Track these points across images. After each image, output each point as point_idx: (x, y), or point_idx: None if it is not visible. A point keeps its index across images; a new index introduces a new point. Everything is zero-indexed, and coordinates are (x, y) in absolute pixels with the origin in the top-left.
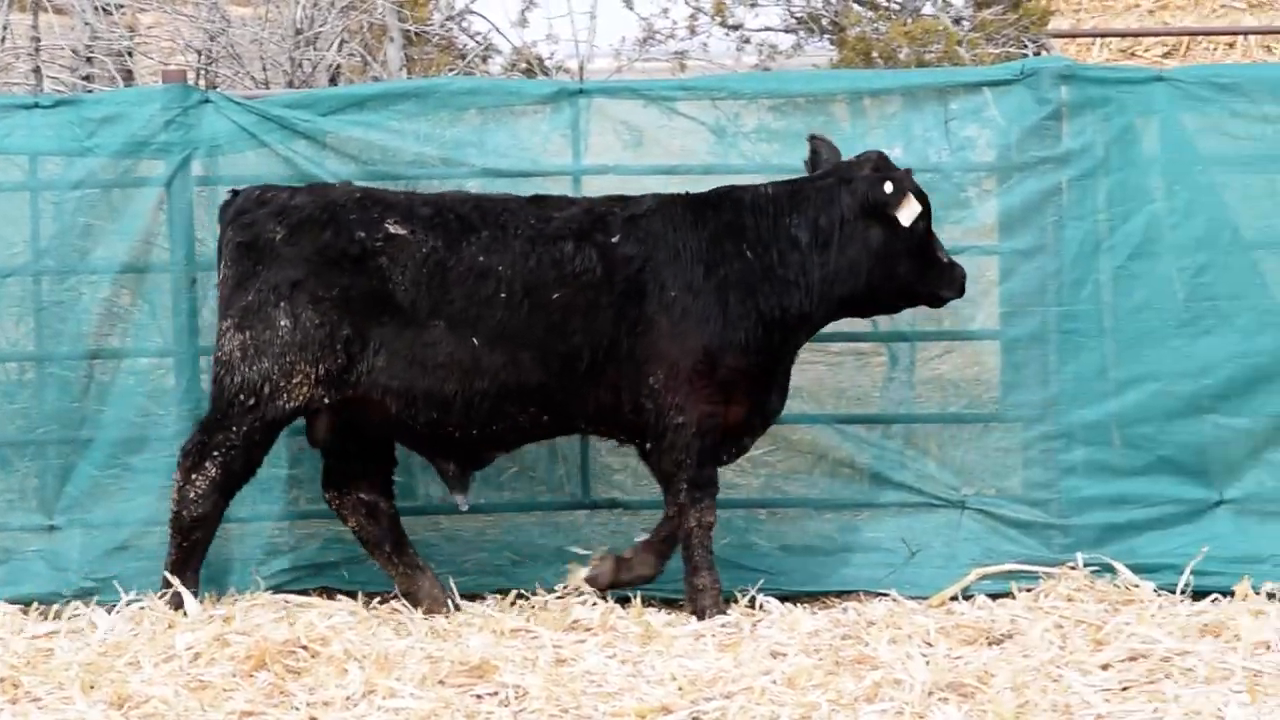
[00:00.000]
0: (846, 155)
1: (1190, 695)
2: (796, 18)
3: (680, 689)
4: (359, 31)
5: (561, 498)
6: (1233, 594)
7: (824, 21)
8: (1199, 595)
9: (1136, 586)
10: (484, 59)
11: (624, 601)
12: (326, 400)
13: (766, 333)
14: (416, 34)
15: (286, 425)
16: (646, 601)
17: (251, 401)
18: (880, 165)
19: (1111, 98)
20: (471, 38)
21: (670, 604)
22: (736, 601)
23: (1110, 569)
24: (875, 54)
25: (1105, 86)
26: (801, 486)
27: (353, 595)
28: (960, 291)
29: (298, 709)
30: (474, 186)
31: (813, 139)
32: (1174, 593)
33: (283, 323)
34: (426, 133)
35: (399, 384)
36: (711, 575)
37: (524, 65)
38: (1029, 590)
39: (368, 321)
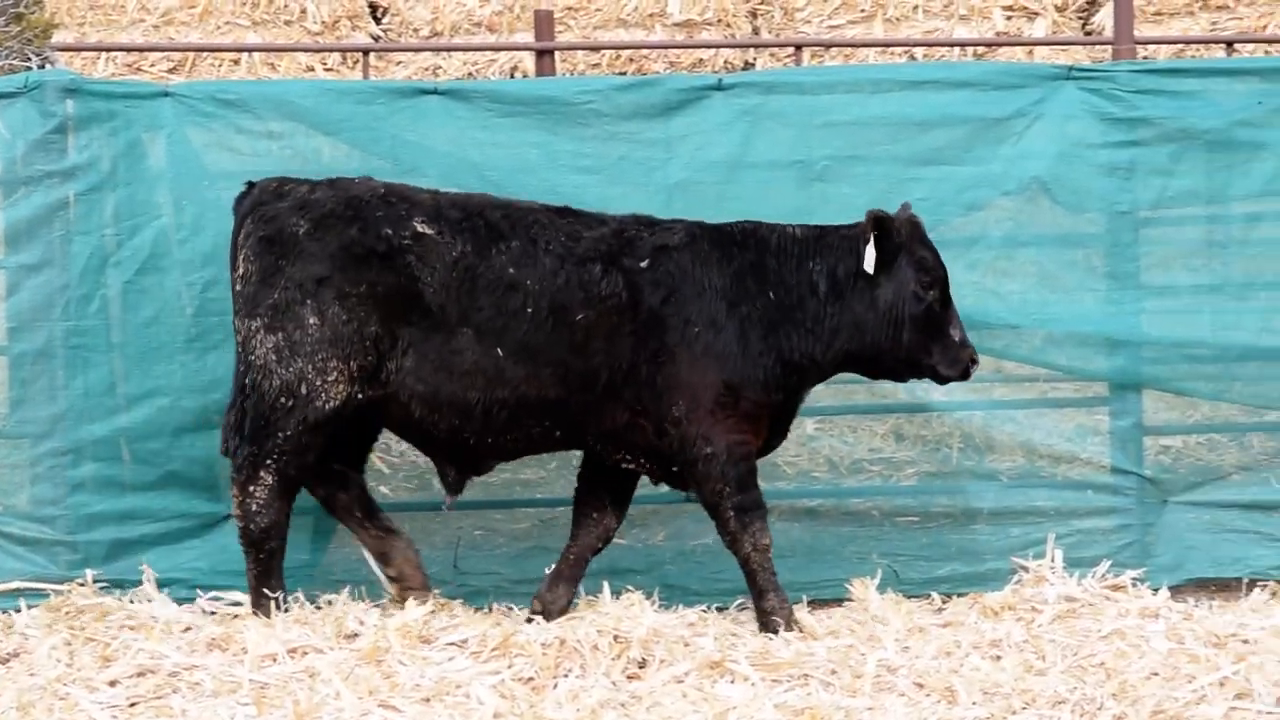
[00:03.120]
0: None
1: (198, 709)
2: None
3: None
4: None
5: None
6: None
7: None
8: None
9: (149, 601)
10: None
11: None
12: (361, 398)
13: (785, 371)
14: None
15: (331, 426)
16: None
17: (290, 404)
18: (911, 228)
19: (118, 112)
20: None
21: None
22: None
23: (121, 585)
24: None
25: (111, 101)
26: None
27: None
28: (963, 375)
29: None
30: None
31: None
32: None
33: (311, 320)
34: None
35: (425, 388)
36: (779, 596)
37: None
38: (37, 608)
39: (396, 320)
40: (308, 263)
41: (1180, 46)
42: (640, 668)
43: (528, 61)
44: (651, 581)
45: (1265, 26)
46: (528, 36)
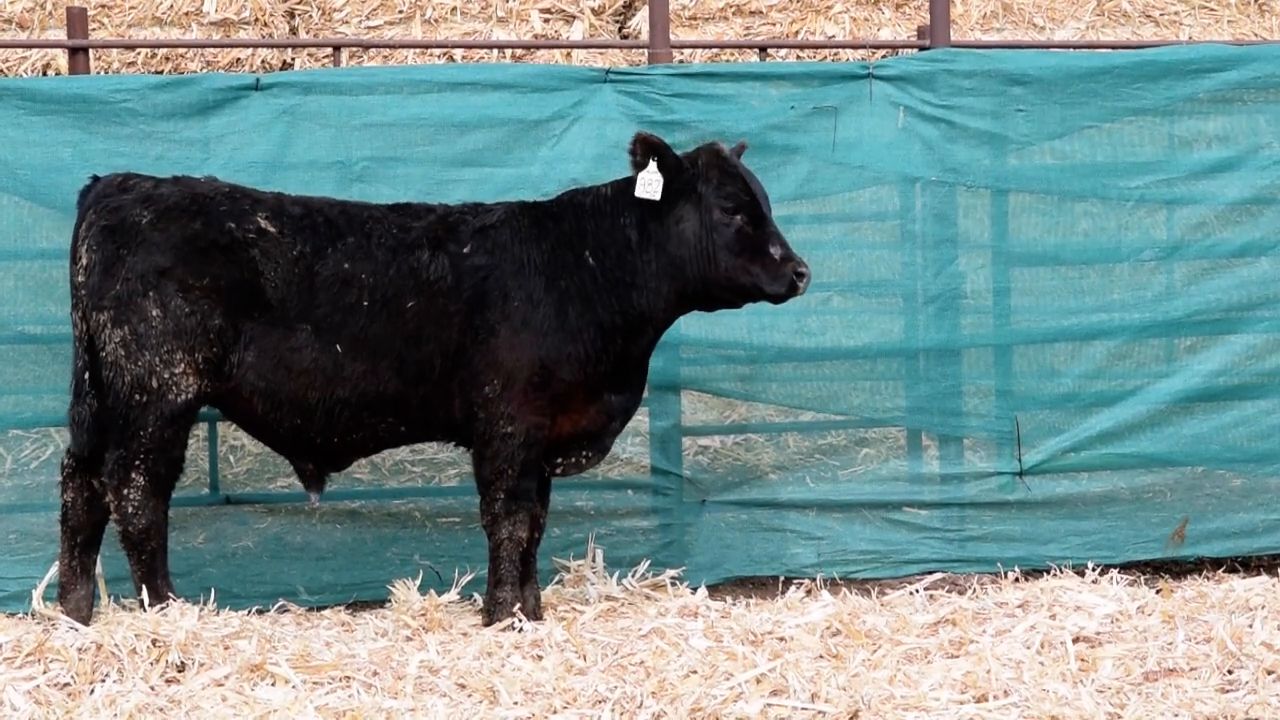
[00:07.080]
0: None
1: None
2: None
3: None
4: None
5: None
6: None
7: None
8: None
9: None
10: None
11: None
12: (210, 391)
13: (606, 341)
14: None
15: (189, 419)
16: None
17: (144, 399)
18: (709, 157)
19: None
20: None
21: None
22: None
23: None
24: None
25: None
26: None
27: None
28: (790, 289)
29: None
30: None
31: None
32: None
33: (154, 312)
34: None
35: (266, 385)
36: (514, 591)
37: None
38: None
39: (238, 314)
40: (150, 253)
41: (715, 51)
42: (180, 672)
43: (61, 60)
44: (192, 585)
45: (797, 33)
46: (60, 34)
